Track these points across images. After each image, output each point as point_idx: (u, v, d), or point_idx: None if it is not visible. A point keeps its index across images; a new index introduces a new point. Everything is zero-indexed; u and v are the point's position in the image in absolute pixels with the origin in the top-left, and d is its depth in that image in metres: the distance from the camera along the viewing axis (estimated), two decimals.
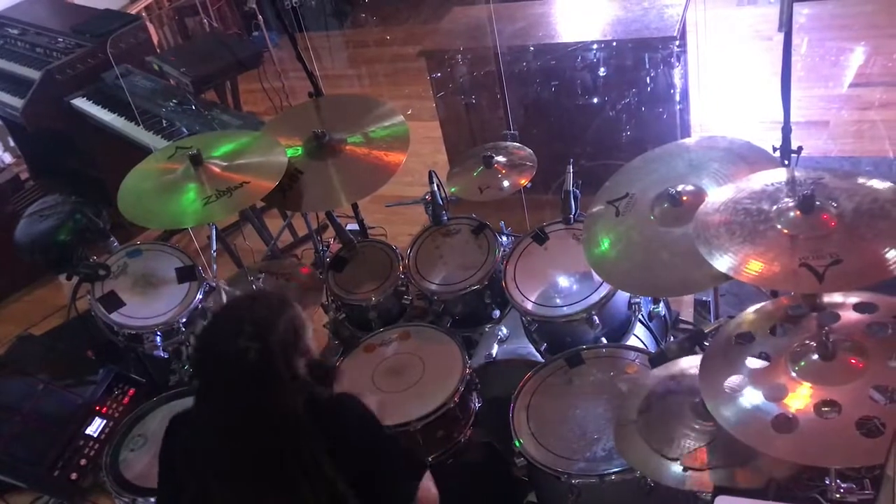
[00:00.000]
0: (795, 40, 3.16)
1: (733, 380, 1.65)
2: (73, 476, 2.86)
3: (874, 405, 1.50)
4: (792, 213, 1.72)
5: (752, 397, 1.60)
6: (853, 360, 1.59)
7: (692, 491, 1.78)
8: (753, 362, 1.67)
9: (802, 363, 1.62)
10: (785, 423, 1.52)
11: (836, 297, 1.75)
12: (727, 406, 1.61)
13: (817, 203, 1.70)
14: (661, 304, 2.71)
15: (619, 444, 1.92)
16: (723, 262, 1.70)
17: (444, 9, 4.19)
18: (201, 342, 1.63)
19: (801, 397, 1.56)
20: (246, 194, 2.47)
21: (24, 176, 4.76)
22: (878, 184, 1.74)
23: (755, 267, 1.66)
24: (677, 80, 3.46)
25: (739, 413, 1.58)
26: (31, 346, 3.19)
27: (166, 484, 1.71)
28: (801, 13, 4.64)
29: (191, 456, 1.60)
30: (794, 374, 1.61)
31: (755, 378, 1.64)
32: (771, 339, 1.72)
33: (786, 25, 1.99)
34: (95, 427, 2.94)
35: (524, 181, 2.73)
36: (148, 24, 4.64)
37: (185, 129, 3.66)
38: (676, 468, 1.76)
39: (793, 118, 2.29)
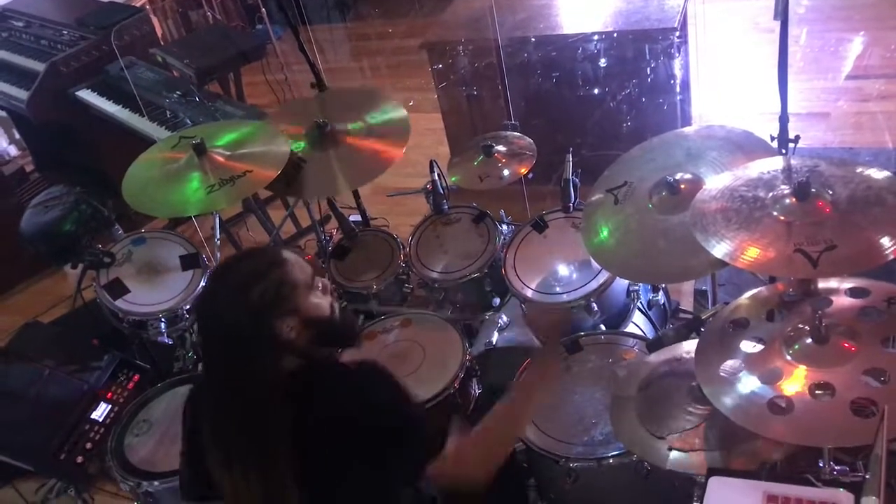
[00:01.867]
0: (795, 31, 3.17)
1: (730, 364, 1.67)
2: (79, 459, 2.90)
3: (867, 387, 1.52)
4: (788, 200, 1.74)
5: (747, 381, 1.62)
6: (846, 344, 1.61)
7: (687, 474, 1.81)
8: (748, 346, 1.70)
9: (797, 346, 1.64)
10: (780, 405, 1.55)
11: (831, 283, 1.78)
12: (723, 390, 1.63)
13: (812, 190, 1.72)
14: (661, 293, 2.73)
15: (614, 416, 1.95)
16: (719, 249, 1.72)
17: (446, 1, 4.20)
18: (198, 305, 1.64)
19: (795, 380, 1.58)
20: (249, 183, 2.49)
21: (29, 168, 4.79)
22: (873, 172, 1.76)
23: (751, 253, 1.68)
24: (678, 72, 3.48)
25: (736, 397, 1.60)
26: (37, 332, 3.22)
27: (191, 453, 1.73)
28: (801, 4, 4.65)
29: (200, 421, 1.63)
30: (788, 358, 1.63)
31: (751, 362, 1.66)
32: (766, 325, 1.74)
33: (781, 14, 2.01)
34: (101, 412, 2.98)
35: (524, 170, 2.75)
36: (151, 16, 4.67)
37: (188, 121, 3.68)
38: (665, 448, 1.79)
39: (793, 109, 2.31)
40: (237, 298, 1.52)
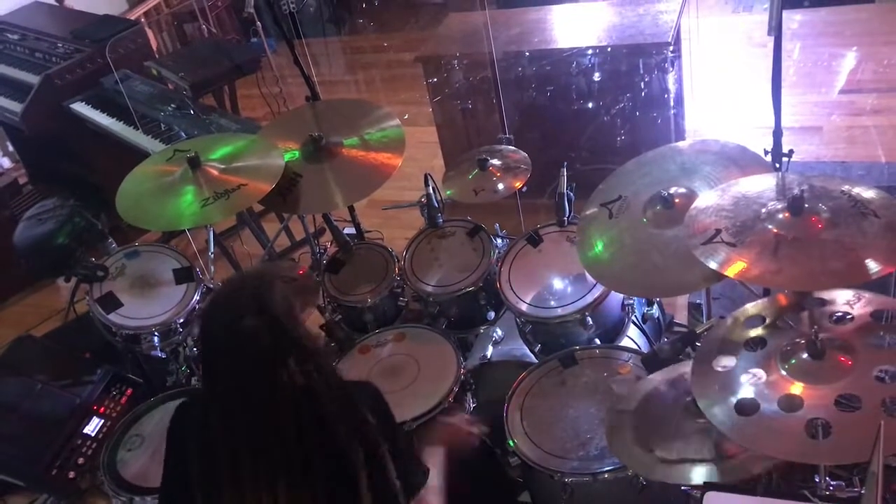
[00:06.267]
0: (789, 46, 3.18)
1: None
2: (71, 475, 2.88)
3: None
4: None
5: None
6: (842, 359, 1.61)
7: (683, 488, 1.80)
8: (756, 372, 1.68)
9: (793, 361, 1.63)
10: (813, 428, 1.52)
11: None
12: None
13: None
14: (655, 307, 2.73)
15: (608, 431, 1.94)
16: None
17: (441, 15, 4.23)
18: (206, 329, 1.54)
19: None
20: (243, 196, 2.49)
21: (22, 180, 4.77)
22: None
23: None
24: (671, 86, 3.49)
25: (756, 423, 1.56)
26: (30, 346, 3.20)
27: (174, 478, 1.68)
28: (794, 19, 4.69)
29: (205, 447, 1.52)
30: (784, 373, 1.62)
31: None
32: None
33: (775, 30, 2.03)
34: (93, 426, 2.96)
35: (519, 184, 2.75)
36: (147, 29, 4.67)
37: (183, 134, 3.68)
38: (659, 462, 1.78)
39: (786, 124, 2.32)
40: (264, 313, 1.47)
